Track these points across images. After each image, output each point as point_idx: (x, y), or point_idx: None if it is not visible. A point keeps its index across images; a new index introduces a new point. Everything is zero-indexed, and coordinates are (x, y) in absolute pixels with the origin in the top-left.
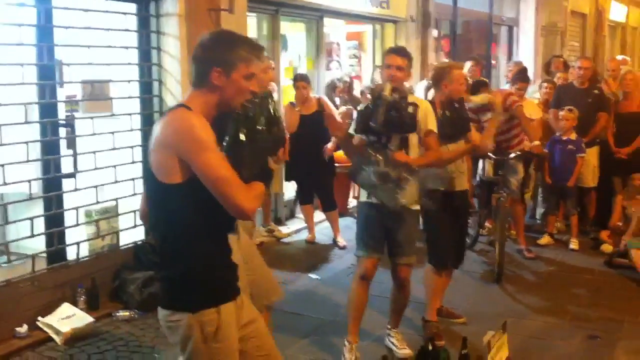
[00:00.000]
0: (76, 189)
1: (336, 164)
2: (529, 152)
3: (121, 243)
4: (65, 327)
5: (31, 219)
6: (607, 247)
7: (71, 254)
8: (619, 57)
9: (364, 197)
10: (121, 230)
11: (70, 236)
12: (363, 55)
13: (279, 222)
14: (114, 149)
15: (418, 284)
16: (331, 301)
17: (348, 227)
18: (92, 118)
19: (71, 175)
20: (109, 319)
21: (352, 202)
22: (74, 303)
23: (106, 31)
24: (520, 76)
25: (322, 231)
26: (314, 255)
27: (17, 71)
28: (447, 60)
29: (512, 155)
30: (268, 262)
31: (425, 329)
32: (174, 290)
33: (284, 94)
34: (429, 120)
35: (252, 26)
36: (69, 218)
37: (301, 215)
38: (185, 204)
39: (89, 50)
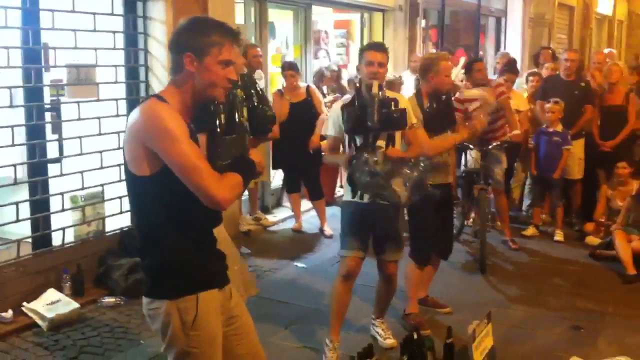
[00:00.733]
0: (62, 174)
1: (323, 153)
2: (508, 141)
3: (107, 229)
4: (51, 313)
5: (16, 203)
6: (591, 240)
7: (56, 239)
8: (606, 50)
9: (348, 196)
10: (107, 217)
11: (56, 222)
12: (351, 43)
13: (266, 210)
14: (100, 134)
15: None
16: (316, 290)
17: (335, 216)
18: (77, 103)
19: (57, 160)
20: (94, 305)
21: (339, 191)
22: (59, 289)
23: (92, 15)
24: (509, 67)
25: (309, 220)
26: (300, 244)
27: (2, 54)
28: (434, 51)
29: (492, 145)
30: (254, 251)
31: (407, 320)
32: (153, 279)
33: (272, 82)
34: (410, 114)
35: (240, 13)
36: (54, 203)
37: (288, 204)
38: (156, 196)
39: (75, 34)
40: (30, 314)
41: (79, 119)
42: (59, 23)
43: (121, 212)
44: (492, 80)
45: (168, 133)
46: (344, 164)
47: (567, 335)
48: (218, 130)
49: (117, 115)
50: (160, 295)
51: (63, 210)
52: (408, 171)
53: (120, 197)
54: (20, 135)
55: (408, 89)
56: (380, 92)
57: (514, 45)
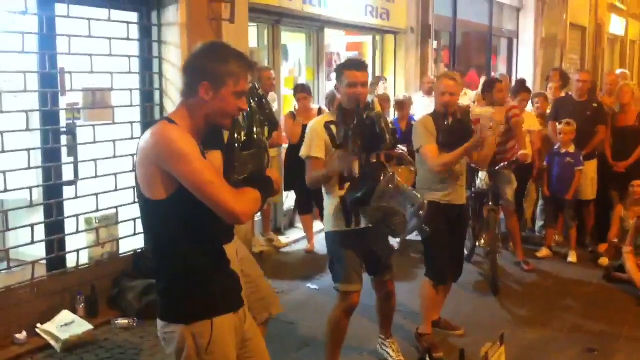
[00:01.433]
0: (77, 197)
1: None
2: (516, 161)
3: (121, 251)
4: (64, 334)
5: (31, 225)
6: (604, 261)
7: (71, 261)
8: (618, 71)
9: (335, 226)
10: (121, 238)
11: (70, 243)
12: None
13: (279, 231)
14: (114, 157)
15: (412, 294)
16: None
17: None
18: (93, 126)
19: (72, 183)
20: (107, 326)
21: None
22: (73, 310)
23: (108, 40)
24: (522, 86)
25: (321, 241)
26: (312, 265)
27: (19, 79)
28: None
29: (500, 165)
30: (267, 272)
31: (420, 341)
32: (168, 302)
33: (285, 104)
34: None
35: (253, 36)
36: (69, 225)
37: (300, 225)
38: (171, 219)
39: (91, 59)
40: (44, 336)
41: (94, 141)
42: (75, 48)
43: (135, 234)
44: (507, 102)
45: (180, 154)
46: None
47: (580, 358)
48: (236, 145)
49: (132, 138)
50: (175, 319)
51: (78, 232)
52: (409, 200)
53: (134, 219)
54: (36, 158)
55: (418, 110)
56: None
57: (526, 65)
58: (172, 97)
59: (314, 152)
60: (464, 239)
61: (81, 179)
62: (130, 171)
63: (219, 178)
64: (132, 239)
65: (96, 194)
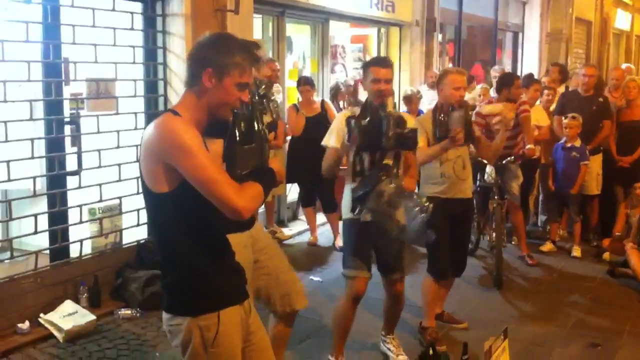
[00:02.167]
0: (80, 187)
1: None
2: (521, 155)
3: (124, 241)
4: (67, 325)
5: (35, 215)
6: (608, 256)
7: (74, 251)
8: (623, 66)
9: (348, 213)
10: (124, 229)
11: (74, 234)
12: (368, 58)
13: (282, 224)
14: (118, 147)
15: (415, 288)
16: (331, 304)
17: None
18: (97, 116)
19: (75, 173)
20: (110, 317)
21: None
22: (76, 300)
23: (112, 30)
24: (532, 79)
25: (325, 233)
26: (315, 257)
27: (23, 68)
28: (451, 66)
29: (506, 159)
30: None
31: (423, 335)
32: (173, 295)
33: (289, 96)
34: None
35: (258, 27)
36: (72, 215)
37: (304, 218)
38: (174, 212)
39: (95, 49)
40: (47, 326)
41: (98, 132)
42: (79, 38)
43: (138, 225)
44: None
45: (184, 147)
46: (350, 178)
47: (584, 353)
48: (237, 139)
49: (136, 129)
50: (182, 312)
51: (81, 222)
52: (411, 204)
53: (137, 210)
54: (40, 147)
55: (423, 103)
56: (395, 110)
57: (531, 60)
58: (176, 87)
59: (332, 143)
60: (469, 233)
61: (84, 169)
62: (134, 162)
63: (222, 173)
64: (135, 230)
65: (99, 184)
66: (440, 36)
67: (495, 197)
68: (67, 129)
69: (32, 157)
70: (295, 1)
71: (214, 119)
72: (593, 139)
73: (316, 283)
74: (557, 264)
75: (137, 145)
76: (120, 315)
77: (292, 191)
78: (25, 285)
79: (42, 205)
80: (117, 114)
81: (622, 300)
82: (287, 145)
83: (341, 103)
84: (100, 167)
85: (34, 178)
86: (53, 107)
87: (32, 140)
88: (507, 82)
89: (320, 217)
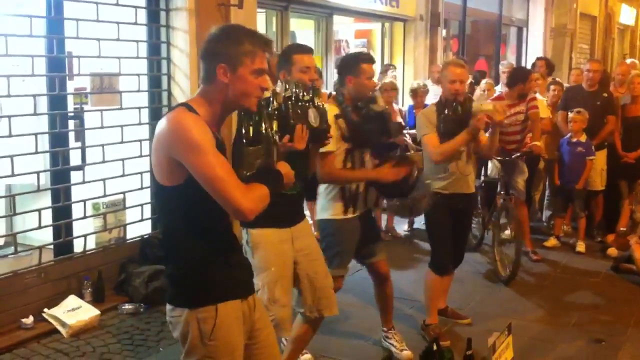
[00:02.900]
0: (84, 182)
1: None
2: (528, 151)
3: (128, 236)
4: (71, 319)
5: (39, 210)
6: (613, 251)
7: (78, 246)
8: (628, 61)
9: (328, 214)
10: (128, 224)
11: (78, 229)
12: (372, 53)
13: None
14: (122, 142)
15: (417, 283)
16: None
17: None
18: (100, 111)
19: (79, 168)
20: (114, 312)
21: None
22: (80, 295)
23: (116, 24)
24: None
25: None
26: None
27: (27, 63)
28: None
29: (514, 155)
30: None
31: (427, 331)
32: (174, 286)
33: None
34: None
35: (262, 22)
36: (76, 210)
37: (308, 212)
38: (179, 205)
39: (99, 43)
40: (51, 320)
41: (102, 127)
42: (83, 32)
43: (142, 220)
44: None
45: (193, 144)
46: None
47: (588, 349)
48: (244, 140)
49: (140, 124)
50: (181, 303)
51: (85, 217)
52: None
53: (141, 205)
54: (44, 142)
55: (428, 99)
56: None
57: (536, 55)
58: (180, 82)
59: (327, 147)
60: (469, 227)
61: (88, 164)
62: (138, 157)
63: (229, 173)
64: (139, 225)
65: (103, 179)
66: (444, 31)
67: (502, 193)
68: (71, 124)
69: (36, 152)
70: None
71: (234, 111)
72: (597, 135)
73: None
74: (561, 260)
75: (140, 140)
76: (124, 310)
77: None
78: (29, 280)
79: (45, 200)
80: (121, 108)
81: (626, 296)
82: None
83: None
84: (104, 162)
85: (38, 173)
86: (57, 101)
87: (35, 135)
88: (522, 77)
89: None
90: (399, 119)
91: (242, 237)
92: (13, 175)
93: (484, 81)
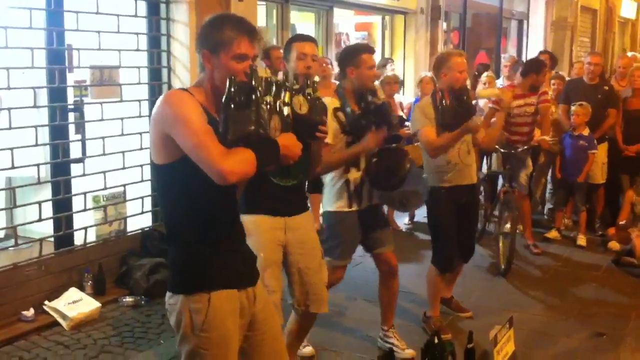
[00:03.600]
0: (84, 174)
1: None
2: (536, 145)
3: (128, 229)
4: (72, 312)
5: (39, 203)
6: (614, 245)
7: (78, 239)
8: (629, 54)
9: (333, 207)
10: (128, 217)
11: (78, 221)
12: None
13: None
14: (122, 134)
15: (419, 277)
16: (335, 291)
17: None
18: (101, 103)
19: (79, 160)
20: (115, 304)
21: None
22: (81, 288)
23: (116, 17)
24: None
25: None
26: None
27: (26, 55)
28: None
29: (520, 148)
30: None
31: (428, 324)
32: (172, 272)
33: None
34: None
35: (262, 15)
36: (76, 203)
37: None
38: (175, 186)
39: (99, 36)
40: (52, 313)
41: (102, 119)
42: (83, 24)
43: (142, 212)
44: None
45: (180, 116)
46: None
47: (589, 342)
48: (231, 105)
49: (140, 116)
50: (176, 289)
51: (85, 210)
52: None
53: (142, 197)
54: (44, 135)
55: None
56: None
57: (536, 48)
58: (180, 74)
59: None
60: (476, 219)
61: (89, 157)
62: (138, 149)
63: (212, 140)
64: (139, 217)
65: (104, 172)
66: (445, 24)
67: (505, 185)
68: (71, 117)
69: (36, 145)
70: None
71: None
72: (598, 128)
73: None
74: (562, 253)
75: (141, 133)
76: (124, 303)
77: None
78: (30, 273)
79: (46, 192)
80: (121, 101)
81: (627, 289)
82: None
83: None
84: (104, 154)
85: (38, 165)
86: (57, 94)
87: (36, 127)
88: (537, 68)
89: None
90: (400, 113)
91: None
92: (13, 167)
93: (485, 74)
